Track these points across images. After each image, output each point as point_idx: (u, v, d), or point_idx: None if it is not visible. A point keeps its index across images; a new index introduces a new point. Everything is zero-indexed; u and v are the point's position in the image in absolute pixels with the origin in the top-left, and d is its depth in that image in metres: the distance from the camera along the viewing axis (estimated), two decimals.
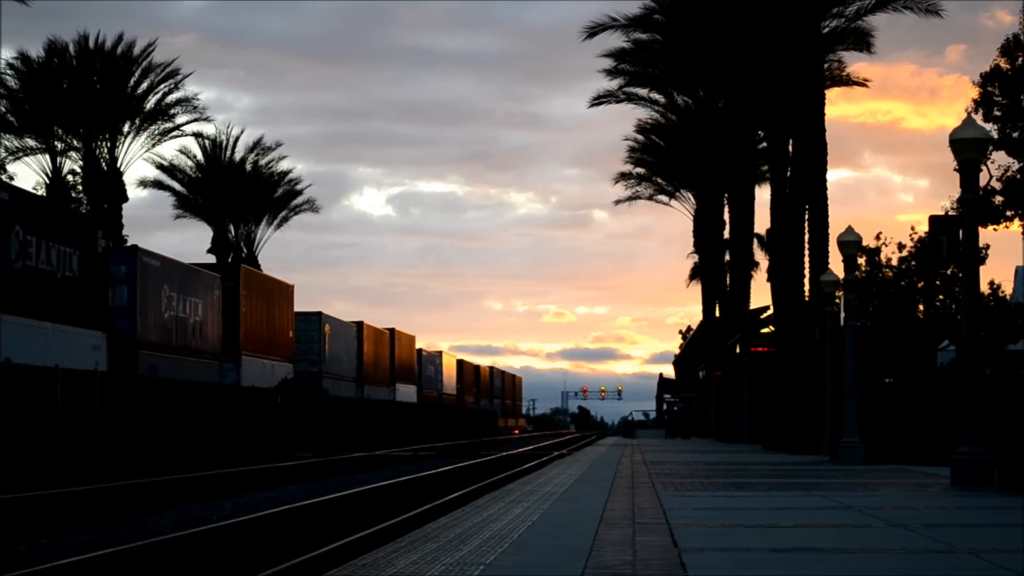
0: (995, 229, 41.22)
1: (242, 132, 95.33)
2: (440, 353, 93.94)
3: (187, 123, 64.66)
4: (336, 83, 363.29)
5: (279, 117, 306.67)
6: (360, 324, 67.13)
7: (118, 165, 61.24)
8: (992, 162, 40.20)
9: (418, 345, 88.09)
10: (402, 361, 78.28)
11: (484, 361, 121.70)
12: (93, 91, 59.96)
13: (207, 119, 67.41)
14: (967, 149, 19.12)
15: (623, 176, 72.40)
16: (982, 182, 31.98)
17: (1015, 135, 40.16)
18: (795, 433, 37.18)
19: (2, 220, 29.75)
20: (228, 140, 73.14)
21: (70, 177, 61.29)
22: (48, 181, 60.22)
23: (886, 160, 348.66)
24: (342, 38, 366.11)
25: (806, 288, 40.69)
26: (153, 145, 63.78)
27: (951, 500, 17.11)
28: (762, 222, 56.79)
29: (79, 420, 29.26)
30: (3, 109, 59.96)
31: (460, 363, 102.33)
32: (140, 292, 39.13)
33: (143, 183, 71.31)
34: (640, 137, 69.37)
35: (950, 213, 31.82)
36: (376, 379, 70.43)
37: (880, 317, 41.94)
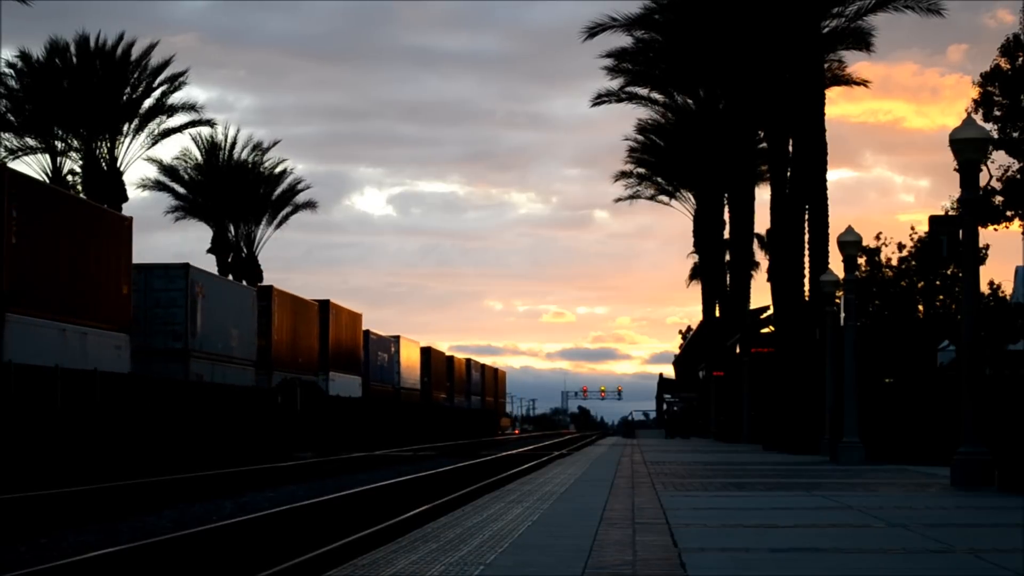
0: (995, 229, 41.22)
1: (238, 132, 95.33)
2: (397, 338, 77.60)
3: (187, 124, 64.65)
4: (337, 83, 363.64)
5: (280, 117, 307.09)
6: (268, 290, 51.78)
7: (118, 165, 61.23)
8: (992, 162, 40.21)
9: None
10: (341, 344, 62.22)
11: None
12: (93, 91, 59.93)
13: (208, 123, 67.20)
14: (967, 149, 19.11)
15: (623, 175, 72.45)
16: (982, 182, 31.99)
17: (1015, 135, 40.15)
18: (795, 433, 37.19)
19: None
20: (227, 140, 73.17)
21: (70, 177, 61.27)
22: (48, 181, 60.16)
23: (887, 160, 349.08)
24: (343, 38, 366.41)
25: (806, 288, 40.68)
26: (152, 145, 63.77)
27: (951, 500, 17.11)
28: (762, 222, 56.87)
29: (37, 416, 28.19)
30: (3, 109, 59.92)
31: (427, 352, 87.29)
32: None
33: (143, 184, 71.33)
34: (640, 137, 69.41)
35: (950, 213, 31.84)
36: (294, 364, 53.93)
37: (880, 317, 41.94)
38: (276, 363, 51.59)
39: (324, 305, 59.80)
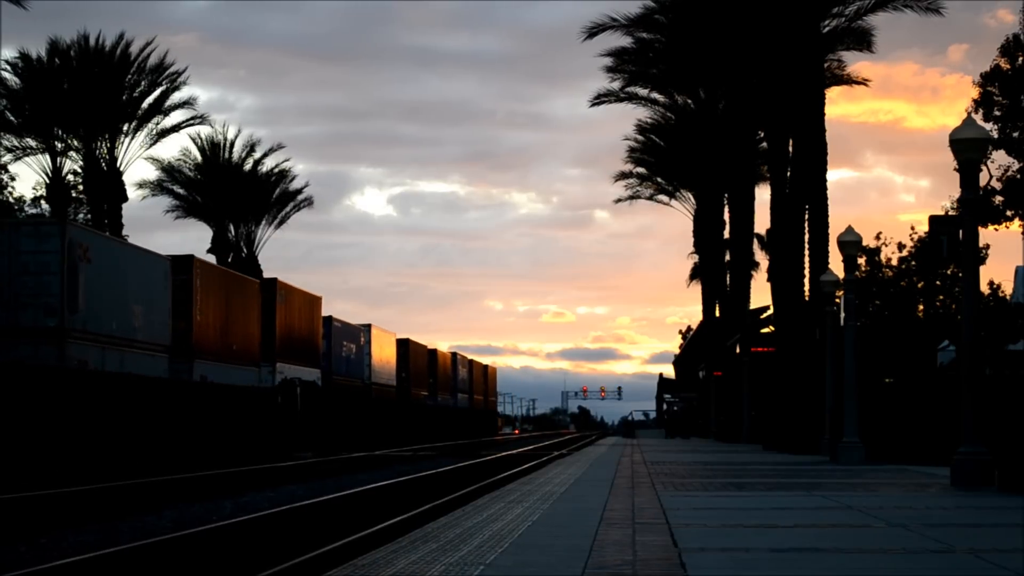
0: (995, 229, 41.27)
1: (239, 132, 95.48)
2: (367, 327, 67.65)
3: (186, 122, 64.68)
4: (338, 83, 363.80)
5: (281, 117, 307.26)
6: (188, 260, 41.23)
7: (118, 165, 61.25)
8: (992, 162, 40.25)
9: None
10: (293, 331, 52.19)
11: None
12: (93, 91, 59.95)
13: (202, 118, 67.21)
14: (967, 149, 19.11)
15: (623, 176, 72.46)
16: (982, 182, 32.03)
17: (1015, 135, 40.17)
18: (795, 433, 37.19)
19: None
20: (226, 140, 73.20)
21: (70, 177, 61.32)
22: (48, 181, 60.22)
23: (887, 160, 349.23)
24: (344, 38, 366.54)
25: (806, 288, 40.70)
26: (152, 144, 63.80)
27: (951, 500, 17.11)
28: (762, 222, 56.88)
29: None
30: (3, 108, 59.94)
31: (404, 344, 77.09)
32: None
33: (142, 185, 71.36)
34: (640, 137, 69.41)
35: (950, 213, 31.85)
36: (226, 353, 44.04)
37: (880, 317, 41.96)
38: (199, 350, 41.45)
39: (269, 284, 50.32)
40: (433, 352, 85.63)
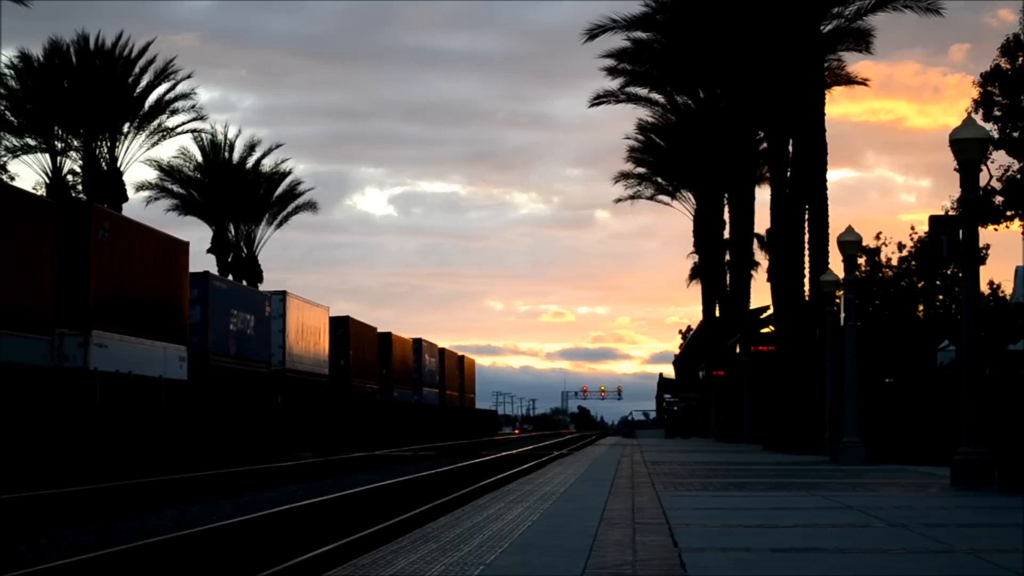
0: (995, 229, 41.28)
1: (239, 132, 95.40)
2: (282, 295, 53.51)
3: (186, 122, 64.68)
4: (340, 83, 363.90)
5: (282, 117, 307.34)
6: None
7: (118, 165, 61.25)
8: (992, 162, 40.26)
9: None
10: (127, 286, 36.72)
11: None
12: (93, 91, 59.94)
13: (202, 118, 67.22)
14: (967, 149, 19.11)
15: (624, 176, 72.47)
16: (982, 182, 32.03)
17: (1015, 135, 40.18)
18: (795, 433, 37.19)
19: None
20: (227, 140, 73.21)
21: (70, 177, 61.31)
22: (48, 181, 60.22)
23: (888, 160, 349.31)
24: (345, 38, 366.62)
25: (806, 288, 40.70)
26: (152, 145, 63.81)
27: (951, 500, 17.10)
28: (762, 222, 56.90)
29: None
30: (3, 108, 59.94)
31: (343, 323, 63.23)
32: None
33: (143, 187, 71.33)
34: (641, 137, 69.40)
35: (950, 213, 31.86)
36: None
37: (880, 317, 41.98)
38: None
39: (76, 210, 35.34)
40: (386, 336, 72.55)
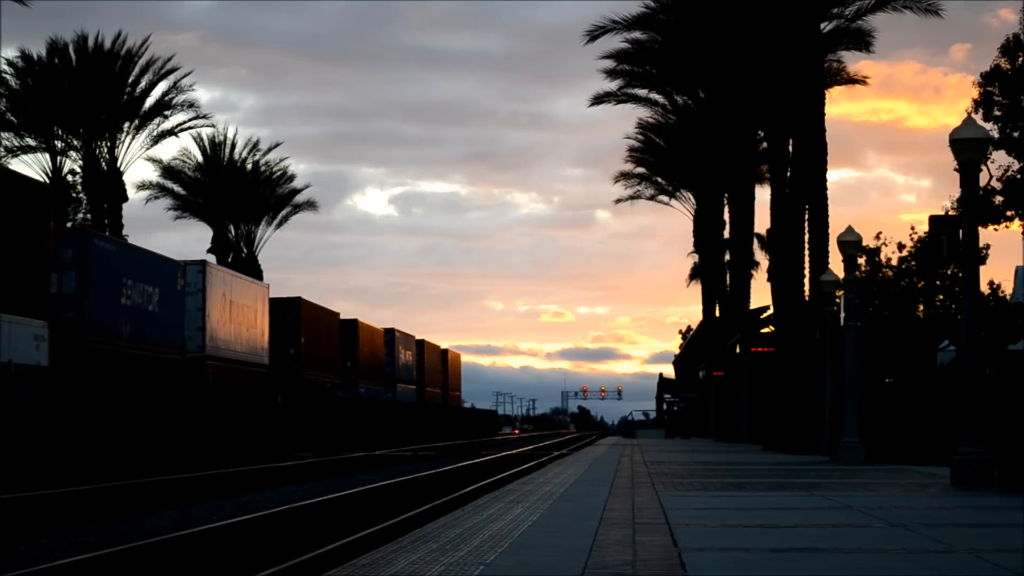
0: (995, 229, 41.28)
1: (236, 132, 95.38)
2: (201, 264, 42.88)
3: (186, 122, 64.68)
4: (340, 83, 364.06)
5: (283, 117, 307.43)
6: None
7: (118, 165, 61.25)
8: (992, 162, 40.26)
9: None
10: None
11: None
12: (93, 91, 59.95)
13: (204, 117, 67.15)
14: (967, 149, 19.11)
15: (624, 176, 72.49)
16: (982, 182, 32.03)
17: (1015, 135, 40.18)
18: (795, 433, 37.19)
19: None
20: (226, 139, 73.20)
21: (70, 177, 61.32)
22: (48, 181, 60.23)
23: (889, 160, 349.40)
24: (346, 38, 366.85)
25: (806, 288, 40.71)
26: (152, 144, 63.81)
27: (951, 500, 17.11)
28: (762, 222, 56.89)
29: None
30: (3, 108, 59.95)
31: (294, 306, 53.27)
32: None
33: (143, 187, 71.33)
34: (641, 137, 69.42)
35: (950, 213, 31.86)
36: None
37: (880, 317, 41.99)
38: None
39: None
40: (351, 324, 62.43)
